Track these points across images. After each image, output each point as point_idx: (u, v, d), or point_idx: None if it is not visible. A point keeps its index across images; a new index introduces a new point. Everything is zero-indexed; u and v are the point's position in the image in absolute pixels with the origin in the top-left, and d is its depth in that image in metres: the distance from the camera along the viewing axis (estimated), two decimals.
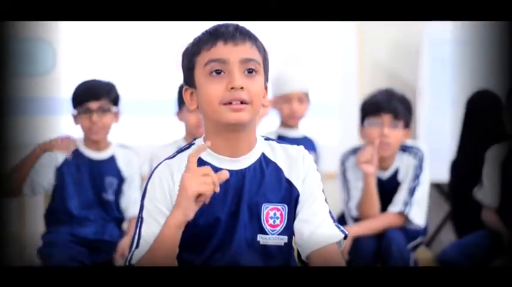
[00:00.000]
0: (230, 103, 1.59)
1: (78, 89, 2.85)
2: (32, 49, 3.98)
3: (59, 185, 2.85)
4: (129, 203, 2.93)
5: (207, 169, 1.55)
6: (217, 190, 1.54)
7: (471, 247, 3.02)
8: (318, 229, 1.65)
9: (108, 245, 2.82)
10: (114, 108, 2.86)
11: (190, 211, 1.53)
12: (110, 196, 2.91)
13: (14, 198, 2.86)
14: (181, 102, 3.06)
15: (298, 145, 1.74)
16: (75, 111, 2.84)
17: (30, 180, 2.73)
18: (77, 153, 2.86)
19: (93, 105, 2.80)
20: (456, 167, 3.52)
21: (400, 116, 2.93)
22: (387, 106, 2.93)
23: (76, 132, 2.89)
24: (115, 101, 2.88)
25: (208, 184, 1.53)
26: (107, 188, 2.90)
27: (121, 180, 2.94)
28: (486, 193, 3.07)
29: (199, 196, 1.53)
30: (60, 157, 2.84)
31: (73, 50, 4.04)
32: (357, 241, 2.84)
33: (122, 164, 2.95)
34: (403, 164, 3.00)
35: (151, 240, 1.57)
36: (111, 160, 2.94)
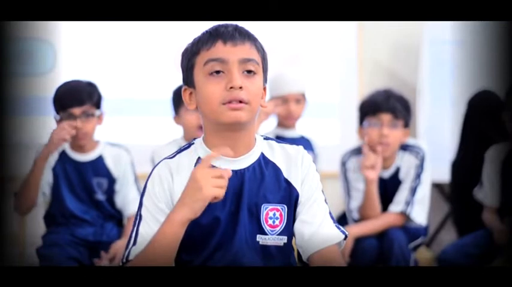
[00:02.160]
0: (229, 102, 1.60)
1: (60, 93, 2.78)
2: (32, 49, 3.98)
3: (54, 186, 2.84)
4: (127, 201, 2.89)
5: (218, 171, 1.54)
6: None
7: (471, 246, 3.01)
8: (318, 230, 1.65)
9: (107, 247, 2.79)
10: (97, 112, 2.80)
11: (199, 210, 1.53)
12: (100, 196, 2.88)
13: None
14: (176, 106, 3.05)
15: (295, 145, 1.74)
16: (57, 116, 2.77)
17: (40, 190, 2.74)
18: (63, 155, 2.85)
19: (77, 111, 2.73)
20: (457, 167, 3.52)
21: (399, 116, 2.93)
22: (386, 106, 2.93)
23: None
24: (97, 103, 2.82)
25: (222, 188, 1.53)
26: (96, 189, 2.87)
27: (111, 179, 2.90)
28: (486, 193, 3.06)
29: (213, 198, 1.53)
30: (52, 157, 2.81)
31: (73, 50, 4.04)
32: (359, 242, 2.84)
33: (110, 163, 2.90)
34: (404, 163, 3.00)
35: (149, 237, 1.57)
36: (99, 160, 2.89)
